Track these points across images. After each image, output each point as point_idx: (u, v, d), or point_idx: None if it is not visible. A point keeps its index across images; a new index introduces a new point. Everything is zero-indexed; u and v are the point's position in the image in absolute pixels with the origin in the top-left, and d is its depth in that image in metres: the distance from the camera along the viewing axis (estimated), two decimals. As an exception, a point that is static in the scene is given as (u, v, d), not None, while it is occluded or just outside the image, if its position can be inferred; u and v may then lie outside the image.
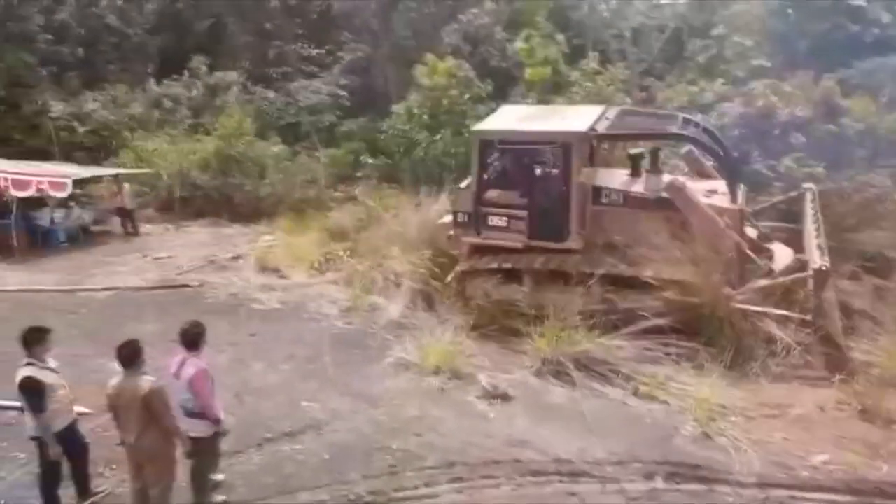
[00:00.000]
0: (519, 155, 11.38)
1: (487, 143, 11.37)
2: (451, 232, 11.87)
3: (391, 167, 21.49)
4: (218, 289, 13.33)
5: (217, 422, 5.99)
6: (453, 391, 8.66)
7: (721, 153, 10.89)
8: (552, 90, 21.44)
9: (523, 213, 10.88)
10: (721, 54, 21.36)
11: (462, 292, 11.33)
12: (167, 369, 5.97)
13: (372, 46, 27.39)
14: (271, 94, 26.76)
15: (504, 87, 23.57)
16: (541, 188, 11.01)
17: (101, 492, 6.43)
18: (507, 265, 10.92)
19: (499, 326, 10.40)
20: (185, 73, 28.02)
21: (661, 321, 9.21)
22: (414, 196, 16.18)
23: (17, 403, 6.12)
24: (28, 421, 5.93)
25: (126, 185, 19.46)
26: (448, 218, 12.20)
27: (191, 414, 5.91)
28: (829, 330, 8.76)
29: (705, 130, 11.34)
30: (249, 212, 20.85)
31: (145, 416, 5.57)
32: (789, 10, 22.58)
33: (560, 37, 21.55)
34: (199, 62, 28.25)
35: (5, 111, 24.83)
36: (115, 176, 19.78)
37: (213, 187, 21.29)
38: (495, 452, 7.14)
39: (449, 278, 11.53)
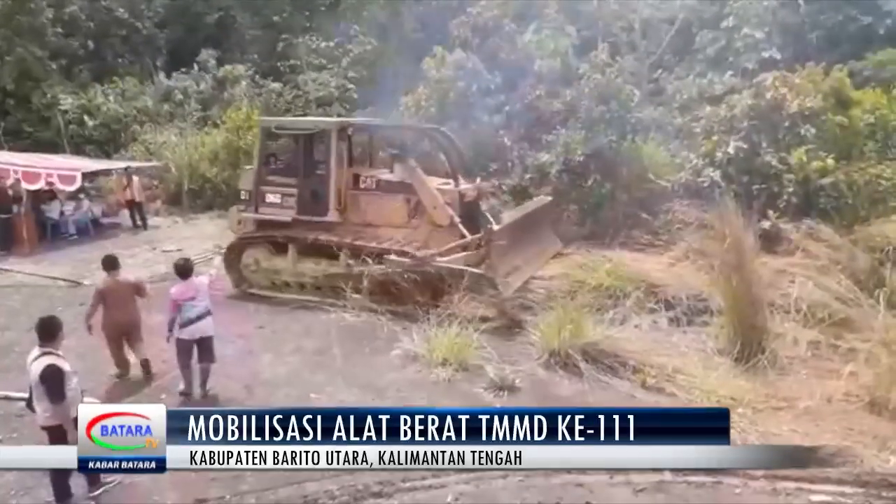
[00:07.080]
0: (292, 141, 13.08)
1: (266, 130, 13.14)
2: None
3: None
4: (225, 280, 13.38)
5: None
6: (461, 383, 8.68)
7: (455, 156, 12.87)
8: (561, 82, 21.33)
9: (294, 192, 12.34)
10: (731, 46, 21.19)
11: (237, 262, 12.68)
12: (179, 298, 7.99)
13: (380, 39, 27.32)
14: (280, 87, 26.78)
15: (513, 78, 23.47)
16: (308, 170, 12.49)
17: (111, 482, 6.44)
18: (275, 235, 12.37)
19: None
20: (194, 66, 28.06)
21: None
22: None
23: (25, 395, 6.14)
24: (40, 411, 5.95)
25: (135, 178, 19.52)
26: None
27: (201, 317, 8.06)
28: (491, 278, 10.47)
29: (446, 137, 13.24)
30: (258, 204, 20.89)
31: (133, 296, 8.77)
32: (800, 2, 22.39)
33: (570, 28, 21.41)
34: (207, 55, 28.29)
35: (15, 104, 24.99)
36: (125, 169, 19.83)
37: (221, 180, 21.35)
38: (502, 443, 7.12)
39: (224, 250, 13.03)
